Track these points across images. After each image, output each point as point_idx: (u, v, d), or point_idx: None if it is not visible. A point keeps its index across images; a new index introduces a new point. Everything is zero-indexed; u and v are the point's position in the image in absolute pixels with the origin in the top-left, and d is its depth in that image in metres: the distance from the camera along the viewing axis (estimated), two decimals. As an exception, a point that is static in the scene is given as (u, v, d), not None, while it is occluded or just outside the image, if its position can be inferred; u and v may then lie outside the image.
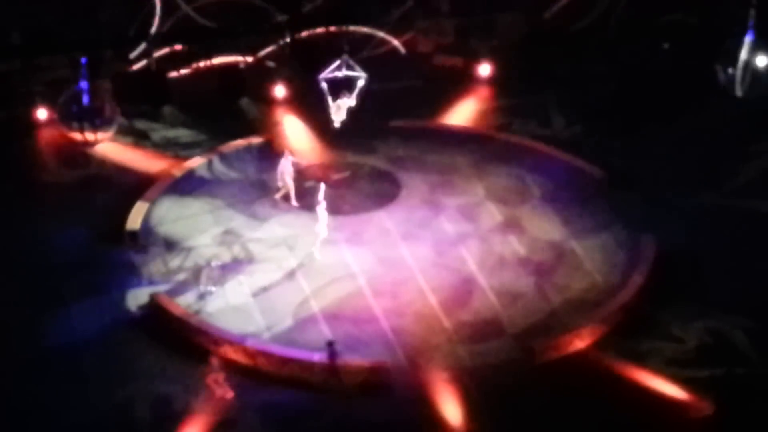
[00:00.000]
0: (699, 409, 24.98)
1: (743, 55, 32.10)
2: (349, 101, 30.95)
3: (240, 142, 35.09)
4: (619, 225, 31.29)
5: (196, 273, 29.39)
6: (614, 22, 39.12)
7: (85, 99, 34.97)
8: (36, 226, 31.49)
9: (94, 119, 35.31)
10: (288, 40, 37.76)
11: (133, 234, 30.86)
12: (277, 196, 32.30)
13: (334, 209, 30.42)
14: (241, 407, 25.50)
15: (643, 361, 26.55)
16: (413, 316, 28.19)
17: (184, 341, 27.35)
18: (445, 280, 29.47)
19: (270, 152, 34.75)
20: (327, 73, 30.26)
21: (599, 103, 36.79)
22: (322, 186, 30.41)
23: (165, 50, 37.44)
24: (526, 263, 30.12)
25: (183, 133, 36.42)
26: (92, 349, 27.31)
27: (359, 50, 32.86)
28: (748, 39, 32.71)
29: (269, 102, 37.40)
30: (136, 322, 28.23)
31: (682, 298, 28.53)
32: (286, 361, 26.53)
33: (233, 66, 37.97)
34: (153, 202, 32.05)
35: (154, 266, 30.07)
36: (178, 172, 33.66)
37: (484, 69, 38.66)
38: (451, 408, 25.19)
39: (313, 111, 34.07)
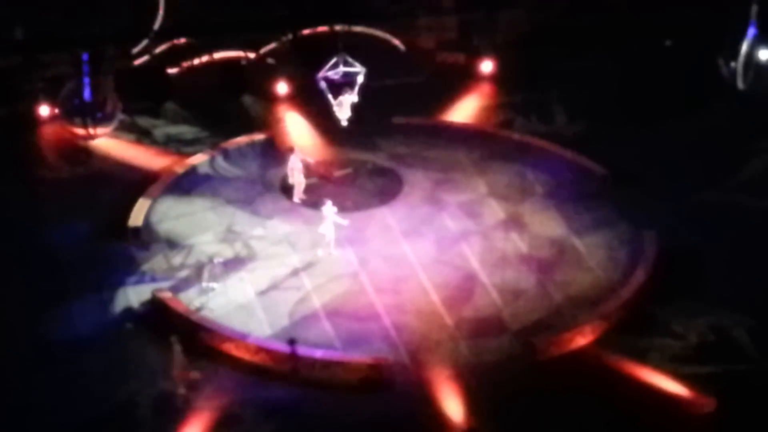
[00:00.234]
0: (700, 406, 24.96)
1: (745, 48, 32.18)
2: (351, 97, 30.95)
3: (242, 139, 35.11)
4: (621, 222, 31.30)
5: (198, 270, 29.40)
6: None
7: (87, 93, 35.00)
8: (38, 222, 31.52)
9: (96, 113, 35.33)
10: (290, 36, 37.83)
11: (136, 231, 30.88)
12: (296, 198, 32.20)
13: (336, 206, 30.36)
14: (243, 404, 25.51)
15: (644, 357, 26.56)
16: (415, 313, 28.20)
17: (185, 338, 27.34)
18: (447, 276, 29.49)
19: (272, 149, 34.80)
20: (324, 72, 30.26)
21: (602, 101, 36.76)
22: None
23: (166, 45, 37.49)
24: (528, 260, 30.12)
25: (185, 130, 36.44)
26: (94, 346, 27.32)
27: (359, 48, 32.76)
28: (749, 33, 32.81)
29: (271, 99, 37.41)
30: (138, 319, 28.22)
31: (683, 295, 28.53)
32: (288, 357, 26.51)
33: (235, 62, 38.00)
34: (155, 199, 32.05)
35: (156, 263, 30.09)
36: (180, 169, 33.67)
37: (487, 66, 38.68)
38: (452, 405, 25.20)
39: (315, 108, 34.06)
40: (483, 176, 33.63)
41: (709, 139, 34.65)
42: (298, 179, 32.29)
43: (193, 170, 33.78)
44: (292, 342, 26.33)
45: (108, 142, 35.43)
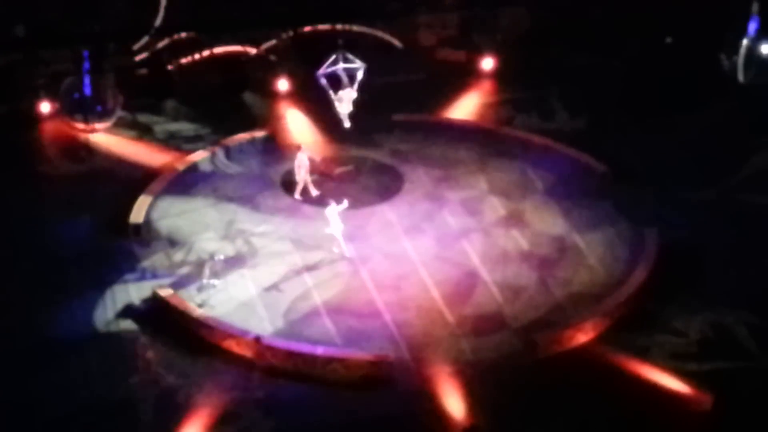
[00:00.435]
0: (701, 403, 24.98)
1: (746, 43, 32.21)
2: (352, 93, 30.93)
3: (243, 136, 35.09)
4: (621, 219, 31.30)
5: (199, 267, 29.40)
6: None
7: (87, 88, 35.00)
8: (40, 219, 31.50)
9: (95, 107, 35.34)
10: (291, 33, 37.83)
11: (137, 227, 30.88)
12: (297, 194, 32.19)
13: (337, 203, 30.34)
14: (244, 400, 25.53)
15: (645, 354, 26.58)
16: (416, 310, 28.22)
17: (187, 335, 27.37)
18: (448, 273, 29.49)
19: (273, 146, 34.80)
20: (324, 69, 30.27)
21: (602, 98, 36.76)
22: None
23: (167, 42, 37.49)
24: (529, 257, 30.13)
25: (186, 127, 36.46)
26: (95, 342, 27.36)
27: (359, 45, 32.78)
28: (750, 27, 32.83)
29: (272, 96, 37.40)
30: (139, 315, 28.23)
31: (684, 293, 28.54)
32: (289, 354, 26.54)
33: (236, 59, 37.98)
34: (156, 196, 32.05)
35: (158, 260, 30.10)
36: (181, 166, 33.67)
37: (488, 63, 38.68)
38: (453, 402, 25.22)
39: (316, 105, 34.05)
40: (484, 173, 33.64)
41: (710, 136, 34.65)
42: (305, 177, 32.25)
43: (194, 167, 33.77)
44: (258, 339, 26.32)
45: (109, 138, 35.43)
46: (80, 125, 35.40)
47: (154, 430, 24.99)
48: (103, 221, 31.42)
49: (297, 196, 32.31)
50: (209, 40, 37.99)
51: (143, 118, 36.68)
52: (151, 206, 31.61)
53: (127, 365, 26.61)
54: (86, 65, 35.09)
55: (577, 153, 33.80)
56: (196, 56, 37.94)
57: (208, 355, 26.77)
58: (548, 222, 31.52)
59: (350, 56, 30.23)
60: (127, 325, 27.97)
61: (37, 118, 36.07)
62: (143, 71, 37.09)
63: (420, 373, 26.29)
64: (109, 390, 25.78)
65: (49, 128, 35.97)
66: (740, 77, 33.16)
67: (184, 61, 37.75)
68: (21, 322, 27.85)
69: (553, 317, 27.99)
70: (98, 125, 35.39)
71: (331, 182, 32.85)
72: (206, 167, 34.01)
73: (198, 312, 27.80)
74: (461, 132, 35.43)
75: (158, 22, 37.73)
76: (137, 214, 31.15)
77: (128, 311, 28.39)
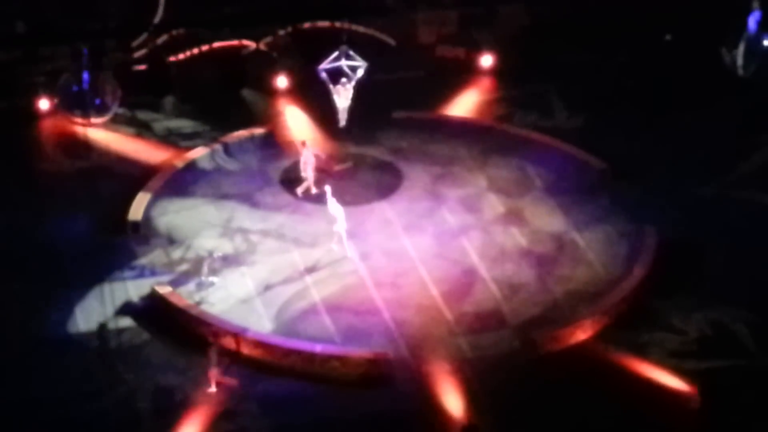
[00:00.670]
0: (699, 401, 24.97)
1: (746, 37, 32.24)
2: (350, 89, 30.92)
3: (242, 133, 35.07)
4: (620, 216, 31.29)
5: (198, 264, 29.40)
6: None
7: (85, 81, 35.00)
8: (38, 216, 31.50)
9: (94, 100, 35.34)
10: (289, 29, 37.82)
11: (135, 225, 30.87)
12: (300, 190, 32.14)
13: (336, 200, 30.37)
14: (243, 398, 25.54)
15: (644, 352, 26.60)
16: (415, 308, 28.22)
17: (185, 332, 27.37)
18: (447, 271, 29.49)
19: (272, 143, 34.79)
20: (326, 64, 30.23)
21: (601, 95, 36.74)
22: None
23: (166, 38, 37.48)
24: (527, 255, 30.13)
25: (185, 124, 36.43)
26: (94, 340, 27.38)
27: (358, 42, 32.76)
28: (751, 22, 32.86)
29: (271, 93, 37.37)
30: (137, 313, 28.23)
31: (683, 290, 28.55)
32: (287, 351, 26.55)
33: (235, 56, 37.94)
34: (155, 193, 32.02)
35: (156, 257, 30.10)
36: (180, 163, 33.65)
37: (487, 60, 38.63)
38: (452, 399, 25.23)
39: (315, 102, 34.04)
40: (483, 170, 33.62)
41: (710, 133, 34.63)
42: (310, 174, 32.18)
43: (193, 164, 33.75)
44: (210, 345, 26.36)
45: (108, 135, 35.40)
46: (78, 119, 35.39)
47: (153, 428, 25.00)
48: (102, 218, 31.41)
49: (299, 193, 32.15)
50: (208, 36, 37.99)
51: (142, 114, 36.66)
52: (149, 203, 31.58)
53: (126, 363, 26.61)
54: (85, 62, 35.09)
55: (576, 150, 33.76)
56: (195, 53, 37.92)
57: (205, 354, 26.72)
58: (547, 219, 31.51)
59: (353, 53, 30.22)
60: (126, 322, 27.96)
61: (36, 115, 36.03)
62: (142, 68, 37.09)
63: (419, 370, 26.31)
64: (108, 387, 25.80)
65: (48, 125, 35.94)
66: (741, 71, 33.18)
67: (182, 57, 37.74)
68: (19, 318, 27.85)
69: (552, 315, 28.00)
70: (96, 119, 35.37)
71: (330, 179, 32.76)
72: (205, 164, 33.98)
73: (196, 309, 27.80)
74: (460, 129, 35.40)
75: (157, 18, 37.73)
76: (136, 212, 31.13)
77: (127, 308, 28.39)
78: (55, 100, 35.83)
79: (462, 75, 38.25)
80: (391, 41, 39.25)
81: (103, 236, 30.81)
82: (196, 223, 31.42)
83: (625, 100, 36.44)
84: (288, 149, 34.34)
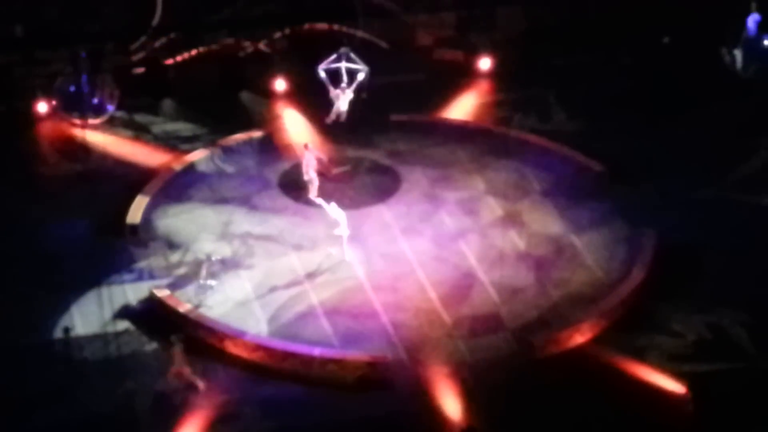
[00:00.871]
0: (697, 404, 24.96)
1: (746, 37, 32.31)
2: (349, 92, 30.90)
3: (240, 136, 35.05)
4: (619, 219, 31.28)
5: (196, 267, 29.38)
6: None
7: (83, 84, 35.07)
8: (36, 219, 31.48)
9: (91, 100, 35.37)
10: (287, 31, 37.85)
11: (134, 228, 30.86)
12: (312, 195, 32.05)
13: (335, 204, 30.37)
14: (241, 401, 25.53)
15: (642, 355, 26.58)
16: (413, 311, 28.21)
17: (184, 335, 27.33)
18: (445, 274, 29.49)
19: (270, 146, 34.79)
20: (326, 64, 30.16)
21: (600, 98, 36.75)
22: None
23: (164, 41, 37.51)
24: (526, 258, 30.12)
25: (183, 127, 36.41)
26: (92, 343, 27.36)
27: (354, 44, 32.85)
28: (749, 21, 32.94)
29: (269, 95, 37.35)
30: (136, 316, 28.21)
31: (681, 293, 28.53)
32: (286, 355, 26.55)
33: (233, 58, 37.95)
34: (153, 196, 32.01)
35: (154, 260, 30.09)
36: (178, 166, 33.63)
37: (485, 63, 38.61)
38: (450, 402, 25.22)
39: (313, 104, 34.05)
40: (481, 174, 33.61)
41: (708, 136, 34.61)
42: (313, 176, 32.13)
43: (191, 167, 33.73)
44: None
45: (106, 138, 35.39)
46: (76, 120, 35.40)
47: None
48: (100, 221, 31.39)
49: (312, 196, 31.96)
50: (206, 39, 38.02)
51: (140, 117, 36.63)
52: (148, 207, 31.55)
53: (124, 366, 26.60)
54: (83, 64, 35.14)
55: (574, 153, 33.76)
56: (193, 55, 37.96)
57: (205, 356, 26.73)
58: (545, 222, 31.51)
59: (354, 56, 30.20)
60: (124, 325, 27.96)
61: (34, 118, 36.02)
62: (140, 70, 37.12)
63: (417, 373, 26.30)
64: (107, 391, 25.77)
65: (47, 128, 35.93)
66: (740, 72, 33.23)
67: (181, 60, 37.76)
68: (17, 321, 27.83)
69: (550, 318, 27.99)
70: (94, 120, 35.38)
71: (328, 183, 32.77)
72: (204, 167, 33.96)
73: (195, 313, 27.80)
74: (458, 132, 35.40)
75: (155, 21, 37.74)
76: (134, 215, 31.11)
77: (125, 312, 28.38)
78: (53, 102, 35.84)
79: (460, 78, 38.20)
80: (384, 44, 39.20)
81: (101, 239, 30.80)
82: (195, 226, 31.41)
83: (624, 102, 36.42)
84: (286, 152, 34.35)
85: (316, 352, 26.49)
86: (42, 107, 35.98)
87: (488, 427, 24.62)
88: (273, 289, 28.97)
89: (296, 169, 33.08)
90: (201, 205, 32.41)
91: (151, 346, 27.34)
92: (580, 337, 27.21)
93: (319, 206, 30.71)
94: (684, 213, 31.43)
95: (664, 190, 32.38)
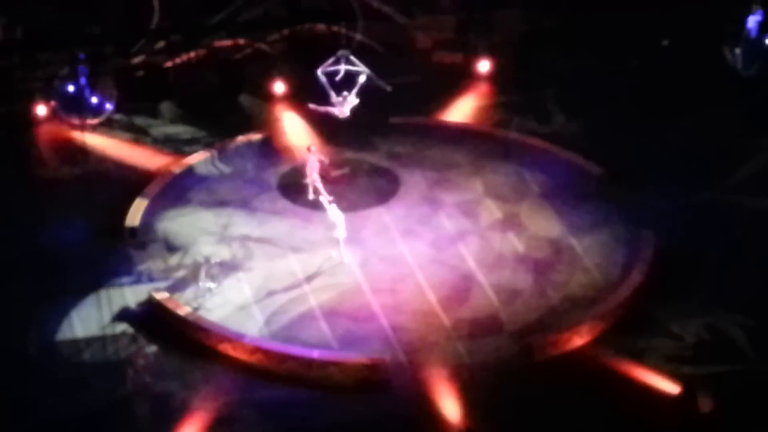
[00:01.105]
0: (697, 407, 24.95)
1: (748, 35, 32.38)
2: (351, 97, 30.91)
3: (240, 139, 35.08)
4: (618, 222, 31.28)
5: (195, 270, 29.39)
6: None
7: (81, 84, 35.11)
8: (35, 222, 31.48)
9: (90, 101, 35.41)
10: (287, 34, 37.89)
11: (133, 230, 30.86)
12: (311, 196, 32.03)
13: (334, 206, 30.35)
14: (240, 404, 25.52)
15: (641, 358, 26.54)
16: (412, 313, 28.20)
17: (182, 338, 27.36)
18: (444, 277, 29.48)
19: (270, 149, 34.81)
20: (326, 67, 30.21)
21: (599, 100, 36.77)
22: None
23: (162, 44, 37.55)
24: (524, 260, 30.12)
25: (182, 130, 36.44)
26: (91, 346, 27.35)
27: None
28: (753, 20, 32.99)
29: (269, 98, 37.39)
30: (135, 319, 28.20)
31: (681, 296, 28.51)
32: (284, 357, 26.54)
33: (232, 61, 37.97)
34: (152, 199, 32.00)
35: (153, 263, 30.09)
36: (177, 169, 33.64)
37: (484, 65, 38.65)
38: (449, 405, 25.20)
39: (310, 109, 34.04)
40: (480, 176, 33.63)
41: (707, 139, 34.62)
42: (317, 178, 32.08)
43: (190, 170, 33.74)
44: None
45: (105, 141, 35.42)
46: (74, 120, 35.42)
47: (150, 435, 25.08)
48: (99, 224, 31.39)
49: (313, 197, 31.93)
50: (205, 41, 38.07)
51: (139, 120, 36.67)
52: (147, 209, 31.54)
53: (123, 369, 26.61)
54: (82, 67, 35.18)
55: (573, 155, 33.76)
56: (192, 58, 38.00)
57: (204, 358, 26.74)
58: (544, 225, 31.50)
59: (353, 58, 30.22)
60: (123, 328, 27.94)
61: (33, 121, 36.05)
62: (140, 73, 37.16)
63: (416, 376, 26.27)
64: (105, 394, 25.77)
65: (45, 131, 35.95)
66: (742, 71, 33.25)
67: (180, 62, 37.80)
68: (16, 324, 27.81)
69: (549, 320, 27.96)
70: (92, 120, 35.41)
71: (327, 185, 32.74)
72: (203, 170, 33.98)
73: (193, 315, 27.79)
74: (457, 135, 35.42)
75: (155, 24, 37.78)
76: (133, 218, 31.11)
77: (124, 314, 28.37)
78: (52, 102, 35.88)
79: (459, 80, 38.27)
80: (379, 48, 39.20)
81: (100, 242, 30.77)
82: (194, 229, 31.42)
83: (623, 104, 36.45)
84: (285, 155, 34.38)
85: (315, 354, 26.47)
86: (41, 110, 36.02)
87: (487, 429, 24.61)
88: (272, 292, 28.96)
89: (295, 172, 33.14)
90: (200, 207, 32.43)
91: (150, 348, 27.31)
92: (579, 339, 27.18)
93: (318, 209, 30.69)
94: (683, 215, 31.41)
95: (663, 192, 32.37)
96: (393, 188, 33.20)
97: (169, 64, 37.62)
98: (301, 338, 27.29)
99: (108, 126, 36.02)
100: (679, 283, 28.95)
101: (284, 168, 33.99)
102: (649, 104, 36.19)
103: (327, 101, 30.54)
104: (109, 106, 35.98)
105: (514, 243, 30.79)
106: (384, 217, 31.87)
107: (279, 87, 37.33)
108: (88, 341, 27.47)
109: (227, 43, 38.03)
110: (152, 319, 28.11)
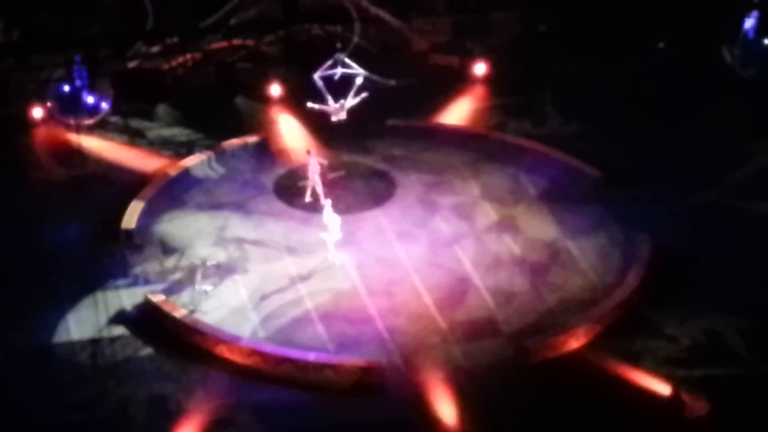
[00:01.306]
0: (693, 409, 24.97)
1: (746, 36, 32.45)
2: (350, 101, 30.90)
3: (236, 141, 35.06)
4: (614, 224, 31.28)
5: (191, 272, 29.38)
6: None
7: (78, 85, 35.14)
8: (31, 224, 31.46)
9: (86, 101, 35.43)
10: (283, 37, 37.89)
11: (129, 233, 30.84)
12: (308, 199, 32.02)
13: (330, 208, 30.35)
14: (236, 406, 25.51)
15: (637, 360, 26.56)
16: (408, 316, 28.20)
17: (178, 341, 27.35)
18: (440, 279, 29.48)
19: (266, 151, 34.81)
20: (322, 72, 30.16)
21: (595, 103, 36.78)
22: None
23: (159, 47, 37.56)
24: (521, 263, 30.12)
25: (178, 132, 36.41)
26: (87, 349, 27.33)
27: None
28: (749, 22, 33.06)
29: (265, 100, 37.38)
30: (131, 322, 28.19)
31: (677, 298, 28.52)
32: (281, 360, 26.53)
33: (228, 63, 37.96)
34: (149, 201, 31.99)
35: (150, 265, 30.07)
36: (173, 171, 33.62)
37: (480, 68, 38.65)
38: (445, 408, 25.21)
39: (308, 110, 34.02)
40: (476, 179, 33.63)
41: (704, 141, 34.62)
42: (317, 181, 32.05)
43: (186, 172, 33.72)
44: None
45: (101, 144, 35.40)
46: (70, 121, 35.43)
47: (147, 437, 25.06)
48: (96, 227, 31.37)
49: (311, 199, 31.94)
50: (201, 44, 38.06)
51: (135, 122, 36.65)
52: (143, 212, 31.53)
53: (119, 371, 26.58)
54: (78, 69, 35.20)
55: (569, 158, 33.77)
56: (188, 60, 38.00)
57: (200, 361, 26.73)
58: (540, 227, 31.51)
59: (349, 61, 30.20)
60: (119, 330, 27.93)
61: (29, 123, 36.03)
62: (135, 75, 37.15)
63: (412, 378, 26.28)
64: (101, 396, 25.76)
65: (42, 133, 35.93)
66: (740, 71, 33.31)
67: (176, 64, 37.80)
68: (12, 327, 27.79)
69: (545, 323, 27.96)
70: (88, 121, 35.43)
71: (323, 187, 32.74)
72: (199, 172, 33.96)
73: (190, 318, 27.78)
74: (454, 137, 35.41)
75: (150, 26, 37.78)
76: (129, 220, 31.10)
77: (120, 317, 28.35)
78: (48, 104, 35.89)
79: (455, 83, 38.26)
80: (373, 49, 39.22)
81: (96, 245, 30.77)
82: (190, 231, 31.41)
83: (619, 107, 36.46)
84: (281, 157, 34.39)
85: (311, 357, 26.48)
86: (37, 112, 36.00)
87: (483, 432, 24.68)
88: (268, 295, 28.95)
89: (292, 175, 33.14)
90: (196, 210, 32.42)
91: (147, 351, 27.29)
92: (575, 342, 27.20)
93: (314, 211, 30.69)
94: (679, 218, 31.44)
95: (659, 194, 32.39)
96: (389, 191, 33.19)
97: (165, 66, 37.58)
98: (297, 341, 27.28)
99: (104, 128, 36.01)
100: (675, 285, 28.97)
101: (280, 170, 33.97)
102: (645, 106, 36.19)
103: (324, 104, 30.54)
104: (105, 105, 36.01)
105: (510, 246, 30.79)
106: (380, 220, 31.87)
107: (275, 89, 37.31)
108: (85, 344, 27.45)
109: (223, 45, 37.98)
110: (148, 321, 28.10)
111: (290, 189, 32.83)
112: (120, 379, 26.35)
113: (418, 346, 27.26)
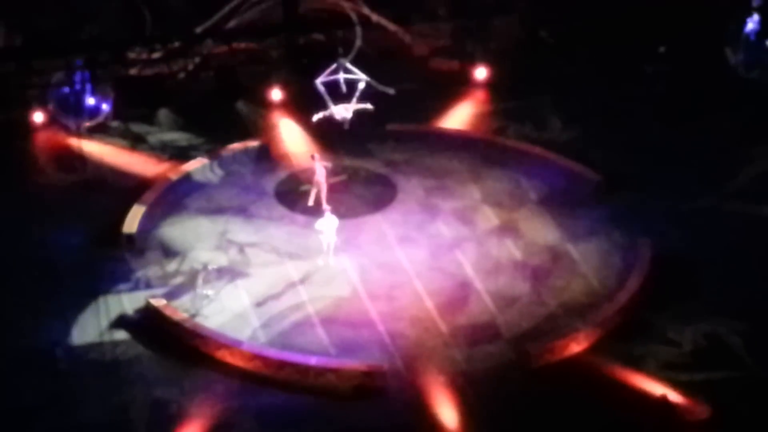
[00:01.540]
0: (694, 413, 24.98)
1: (749, 38, 32.48)
2: (350, 104, 30.89)
3: (237, 146, 35.07)
4: (615, 228, 31.29)
5: (193, 277, 29.38)
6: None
7: (78, 90, 35.20)
8: (32, 229, 31.47)
9: (86, 105, 35.47)
10: (284, 42, 37.88)
11: (130, 237, 30.85)
12: (324, 204, 32.02)
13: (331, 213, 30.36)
14: (238, 411, 25.50)
15: (638, 364, 26.56)
16: (409, 320, 28.20)
17: (180, 345, 27.35)
18: (442, 283, 29.49)
19: (267, 156, 34.81)
20: (324, 77, 30.20)
21: (595, 107, 36.81)
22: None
23: (160, 52, 37.56)
24: (522, 267, 30.13)
25: (179, 137, 36.42)
26: (89, 353, 27.33)
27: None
28: (750, 24, 33.08)
29: (266, 105, 37.39)
30: (132, 326, 28.19)
31: (678, 302, 28.52)
32: (282, 364, 26.53)
33: (229, 68, 37.96)
34: (150, 206, 31.99)
35: (151, 270, 30.08)
36: (174, 176, 33.63)
37: (481, 72, 38.68)
38: (447, 412, 25.21)
39: (310, 114, 34.02)
40: (477, 183, 33.65)
41: (705, 145, 34.66)
42: (323, 185, 32.02)
43: (187, 177, 33.73)
44: None
45: (102, 148, 35.42)
46: (71, 124, 35.45)
47: (148, 441, 25.06)
48: (97, 231, 31.39)
49: (324, 206, 31.92)
50: (203, 49, 38.07)
51: (136, 127, 36.67)
52: (144, 216, 31.53)
53: (120, 375, 26.57)
54: (78, 73, 35.22)
55: (570, 162, 33.78)
56: (190, 65, 38.01)
57: (201, 365, 26.73)
58: (541, 231, 31.52)
59: (351, 67, 30.21)
60: (121, 335, 27.93)
61: (30, 128, 36.05)
62: (136, 80, 37.16)
63: (413, 383, 26.28)
64: (102, 400, 25.75)
65: (43, 138, 35.95)
66: (743, 73, 33.32)
67: (177, 69, 37.81)
68: (14, 332, 27.80)
69: (547, 327, 27.98)
70: (89, 123, 35.45)
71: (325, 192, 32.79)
72: (200, 177, 33.97)
73: (191, 322, 27.78)
74: (455, 141, 35.43)
75: (150, 31, 37.80)
76: (131, 224, 31.10)
77: (121, 321, 28.35)
78: (49, 107, 35.93)
79: (456, 87, 38.29)
80: (372, 53, 39.21)
81: (97, 249, 30.78)
82: (191, 235, 31.42)
83: (620, 111, 36.50)
84: (283, 162, 34.41)
85: (313, 361, 26.48)
86: (38, 117, 36.03)
87: (484, 436, 24.68)
88: (269, 299, 28.96)
89: (293, 179, 33.14)
90: (197, 214, 32.43)
91: (148, 355, 27.29)
92: (576, 346, 27.19)
93: (315, 216, 30.65)
94: (680, 222, 31.45)
95: (660, 198, 32.39)
96: (390, 195, 33.20)
97: (166, 70, 37.58)
98: (298, 345, 27.28)
99: (105, 133, 36.03)
100: (676, 289, 28.98)
101: (281, 175, 33.98)
102: (646, 111, 36.21)
103: (326, 110, 30.57)
104: (105, 106, 36.03)
105: (511, 250, 30.80)
106: (381, 224, 31.88)
107: (276, 94, 37.33)
108: (86, 348, 27.45)
109: (224, 49, 37.98)
110: (150, 325, 28.09)
111: (291, 193, 32.83)
112: (121, 383, 26.32)
113: (420, 351, 27.27)
